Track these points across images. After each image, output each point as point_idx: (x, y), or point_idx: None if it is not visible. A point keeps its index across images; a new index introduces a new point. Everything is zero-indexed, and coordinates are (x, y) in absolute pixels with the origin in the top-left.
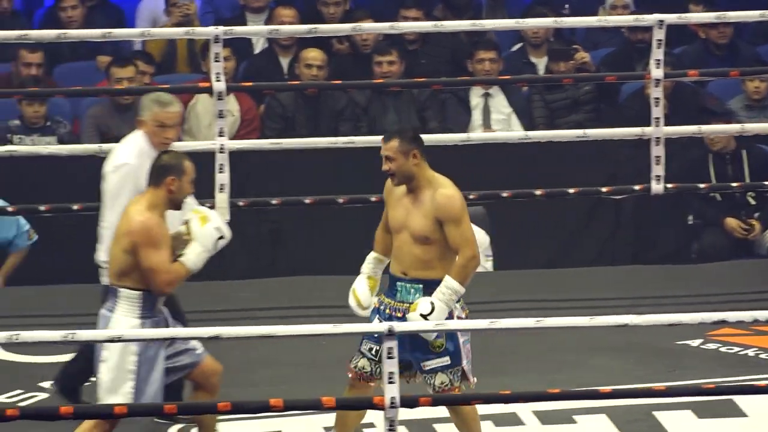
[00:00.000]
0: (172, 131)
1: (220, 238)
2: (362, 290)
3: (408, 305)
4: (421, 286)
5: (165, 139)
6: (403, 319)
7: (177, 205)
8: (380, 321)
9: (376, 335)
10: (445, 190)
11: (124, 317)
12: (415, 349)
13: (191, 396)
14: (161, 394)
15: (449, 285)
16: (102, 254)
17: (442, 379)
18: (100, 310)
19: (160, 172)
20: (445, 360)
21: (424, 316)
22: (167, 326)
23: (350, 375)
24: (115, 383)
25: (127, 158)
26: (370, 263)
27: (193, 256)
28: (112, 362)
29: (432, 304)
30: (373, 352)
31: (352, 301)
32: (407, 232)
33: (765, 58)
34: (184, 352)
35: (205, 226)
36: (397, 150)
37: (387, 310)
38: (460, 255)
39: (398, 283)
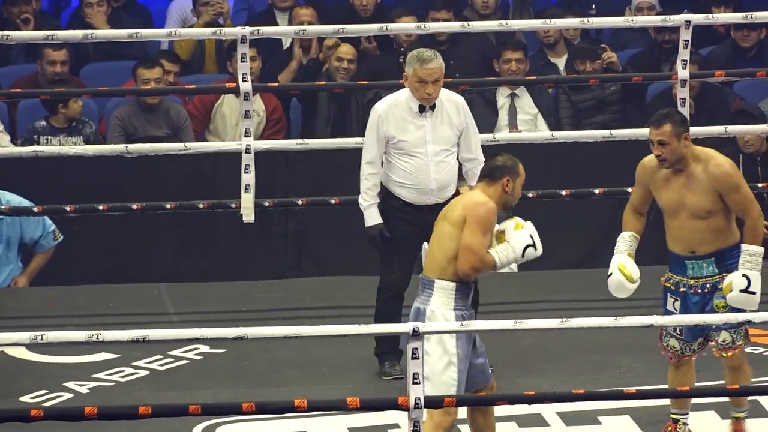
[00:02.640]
0: (431, 87)
1: (530, 246)
2: (631, 265)
3: (703, 279)
4: (712, 259)
5: (426, 94)
6: (705, 293)
7: (507, 207)
8: (672, 299)
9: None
10: (716, 161)
11: (439, 309)
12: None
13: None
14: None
15: (750, 251)
16: (361, 199)
17: (724, 336)
18: (414, 305)
19: (496, 171)
20: None
21: (745, 291)
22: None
23: (665, 354)
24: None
25: (379, 105)
26: (626, 242)
27: (503, 253)
28: (436, 354)
29: (746, 276)
30: (678, 331)
31: (618, 277)
32: (686, 212)
33: None
34: (478, 368)
35: (519, 231)
36: (670, 134)
37: (681, 288)
38: (748, 217)
39: (687, 262)
